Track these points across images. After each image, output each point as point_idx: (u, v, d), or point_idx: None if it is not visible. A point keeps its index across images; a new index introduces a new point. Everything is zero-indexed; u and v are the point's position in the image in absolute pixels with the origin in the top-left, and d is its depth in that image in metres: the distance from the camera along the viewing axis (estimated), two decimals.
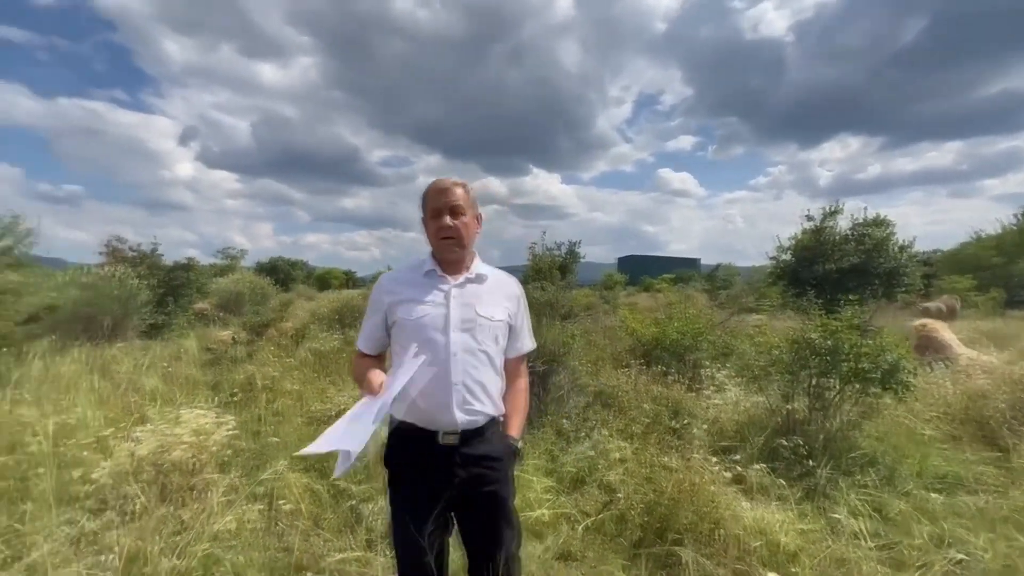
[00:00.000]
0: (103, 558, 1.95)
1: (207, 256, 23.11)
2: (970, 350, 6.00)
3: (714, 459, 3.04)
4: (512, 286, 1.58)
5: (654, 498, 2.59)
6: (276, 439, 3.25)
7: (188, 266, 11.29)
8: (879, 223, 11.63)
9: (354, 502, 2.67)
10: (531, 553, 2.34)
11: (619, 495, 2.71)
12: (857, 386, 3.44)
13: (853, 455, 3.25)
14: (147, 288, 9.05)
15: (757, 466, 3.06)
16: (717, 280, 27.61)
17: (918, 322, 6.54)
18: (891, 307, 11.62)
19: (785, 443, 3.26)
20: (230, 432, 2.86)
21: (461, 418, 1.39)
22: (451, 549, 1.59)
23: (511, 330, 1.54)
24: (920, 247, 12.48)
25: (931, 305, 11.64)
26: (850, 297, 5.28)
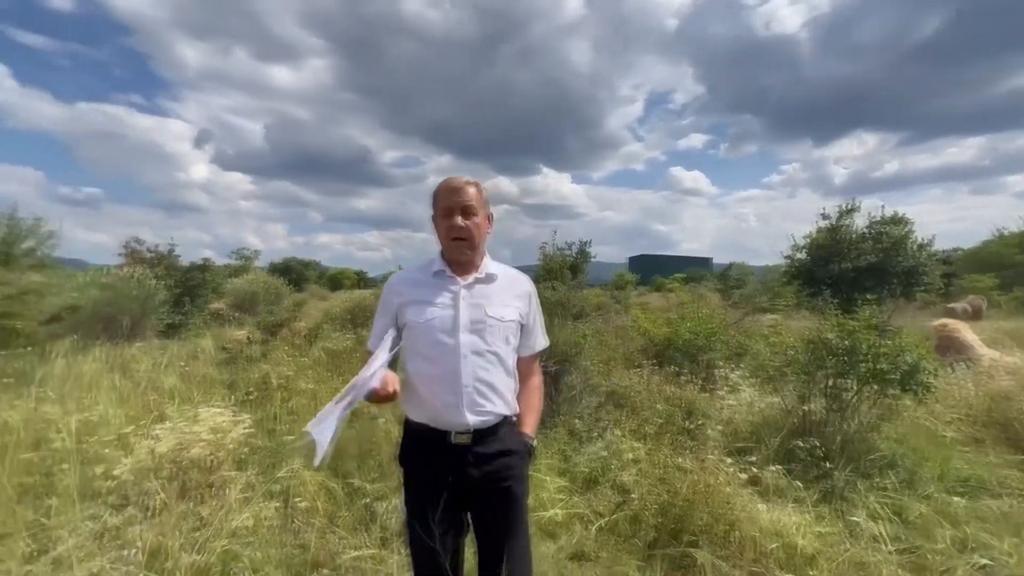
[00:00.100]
0: (126, 552, 2.00)
1: (222, 257, 23.48)
2: (993, 351, 5.86)
3: (729, 460, 3.00)
4: (523, 284, 1.56)
5: (668, 499, 2.57)
6: (291, 437, 3.29)
7: (204, 267, 11.48)
8: (897, 221, 11.41)
9: (368, 500, 2.70)
10: (544, 553, 2.34)
11: (633, 496, 2.70)
12: (875, 387, 3.38)
13: (872, 457, 3.19)
14: (164, 288, 9.23)
15: (773, 468, 3.02)
16: (730, 279, 27.30)
17: (938, 322, 6.40)
18: (910, 307, 11.40)
19: (801, 445, 3.21)
20: (246, 430, 2.91)
21: (472, 419, 1.39)
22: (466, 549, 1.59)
23: (523, 329, 1.53)
24: (940, 245, 12.23)
25: (956, 306, 11.37)
26: (868, 297, 5.18)
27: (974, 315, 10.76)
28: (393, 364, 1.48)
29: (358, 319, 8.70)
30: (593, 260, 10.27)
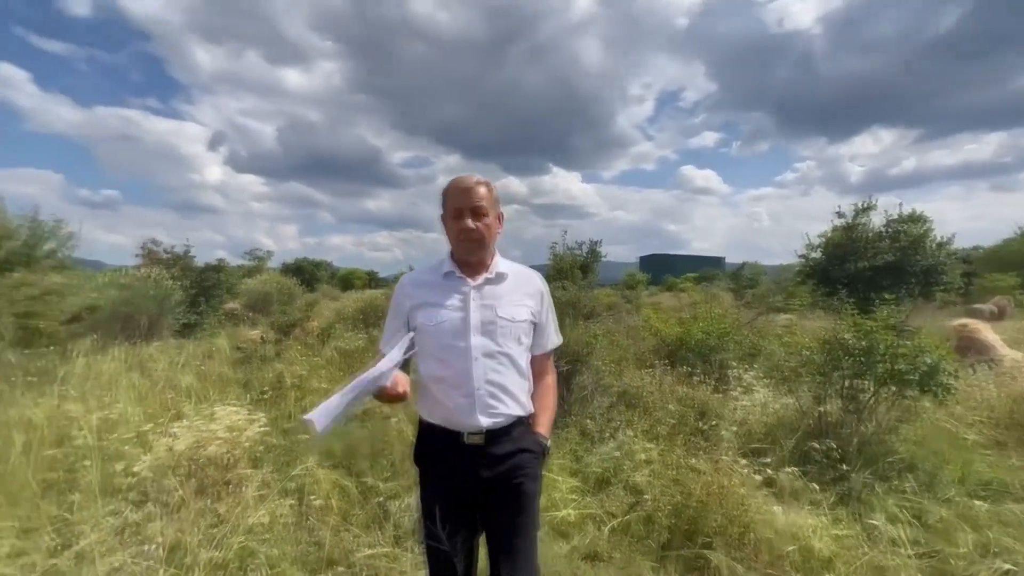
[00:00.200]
0: (146, 548, 2.04)
1: (235, 257, 23.80)
2: (1015, 351, 5.73)
3: (743, 461, 2.97)
4: (534, 282, 1.54)
5: (682, 500, 2.55)
6: (305, 436, 3.32)
7: (219, 267, 11.66)
8: (915, 219, 11.21)
9: (382, 499, 2.72)
10: (557, 553, 2.33)
11: (646, 496, 2.68)
12: (893, 388, 3.32)
13: (890, 460, 3.13)
14: (180, 289, 9.40)
15: (788, 469, 2.98)
16: (743, 279, 27.03)
17: (958, 322, 6.27)
18: (929, 306, 11.17)
19: (817, 446, 3.16)
20: (261, 429, 2.94)
21: (484, 421, 1.38)
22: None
23: (535, 327, 1.52)
24: (959, 244, 11.97)
25: (983, 307, 11.10)
26: (885, 296, 5.09)
27: (999, 315, 10.51)
28: (407, 366, 1.48)
29: (370, 319, 8.77)
30: (604, 260, 10.24)
